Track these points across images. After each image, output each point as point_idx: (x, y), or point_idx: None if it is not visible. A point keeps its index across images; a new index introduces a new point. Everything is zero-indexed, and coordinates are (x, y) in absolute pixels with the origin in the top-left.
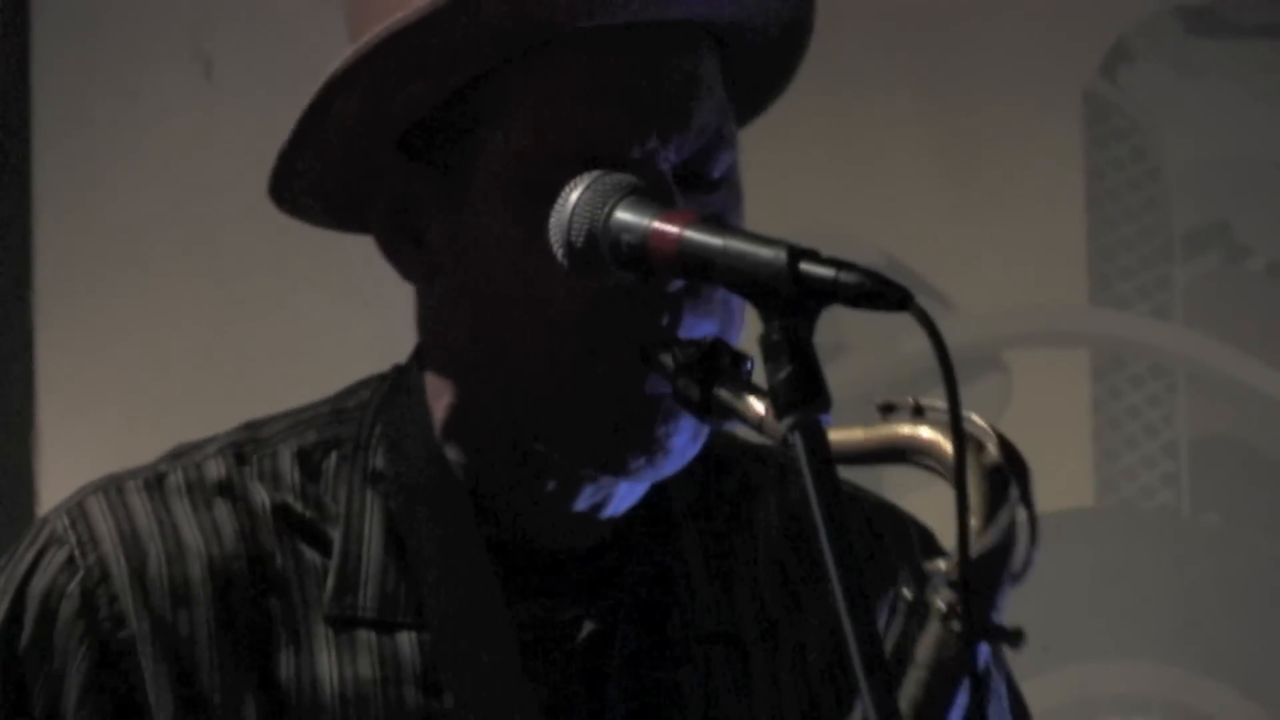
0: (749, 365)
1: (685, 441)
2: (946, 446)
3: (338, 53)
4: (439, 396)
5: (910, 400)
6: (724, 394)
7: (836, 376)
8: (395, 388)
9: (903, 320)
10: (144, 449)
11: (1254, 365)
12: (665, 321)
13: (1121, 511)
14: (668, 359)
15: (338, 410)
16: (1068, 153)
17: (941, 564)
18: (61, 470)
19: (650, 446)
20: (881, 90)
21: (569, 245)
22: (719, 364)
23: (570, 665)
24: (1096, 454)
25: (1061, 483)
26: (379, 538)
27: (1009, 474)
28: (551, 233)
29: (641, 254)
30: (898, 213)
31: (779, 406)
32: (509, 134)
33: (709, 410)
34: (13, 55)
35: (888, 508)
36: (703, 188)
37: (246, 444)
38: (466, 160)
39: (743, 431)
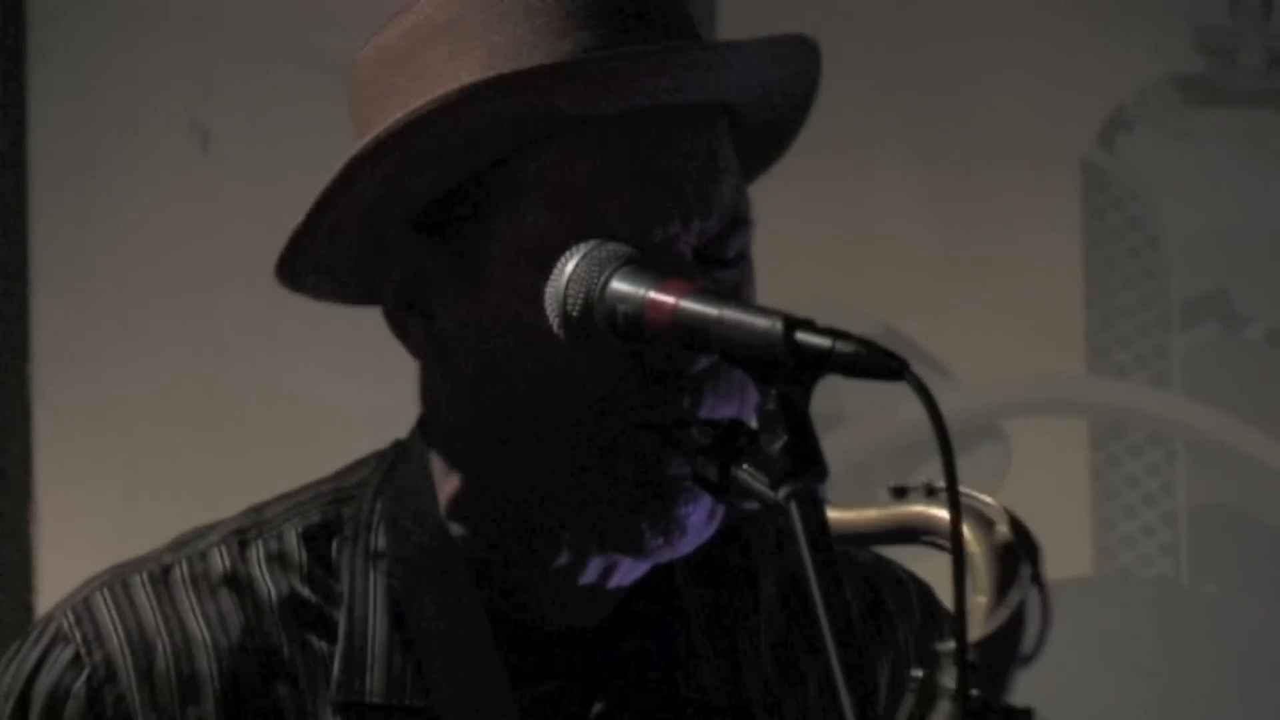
0: (770, 445)
1: (702, 521)
2: (960, 525)
3: (334, 125)
4: (446, 473)
5: (922, 482)
6: (742, 475)
7: (833, 446)
8: (395, 464)
9: (900, 389)
10: (142, 520)
11: (1253, 434)
12: (687, 403)
13: (1119, 580)
14: (688, 439)
15: (338, 489)
16: (1065, 221)
17: (948, 643)
18: (59, 541)
19: (669, 528)
20: (879, 159)
21: (565, 315)
22: (737, 444)
23: None
24: (1095, 523)
25: (1059, 552)
26: (384, 619)
27: (1021, 553)
28: (547, 303)
29: (638, 324)
30: (895, 281)
31: (774, 476)
32: (527, 216)
33: (727, 491)
34: (9, 126)
35: (885, 567)
36: (719, 266)
37: (250, 528)
38: (483, 240)
39: None
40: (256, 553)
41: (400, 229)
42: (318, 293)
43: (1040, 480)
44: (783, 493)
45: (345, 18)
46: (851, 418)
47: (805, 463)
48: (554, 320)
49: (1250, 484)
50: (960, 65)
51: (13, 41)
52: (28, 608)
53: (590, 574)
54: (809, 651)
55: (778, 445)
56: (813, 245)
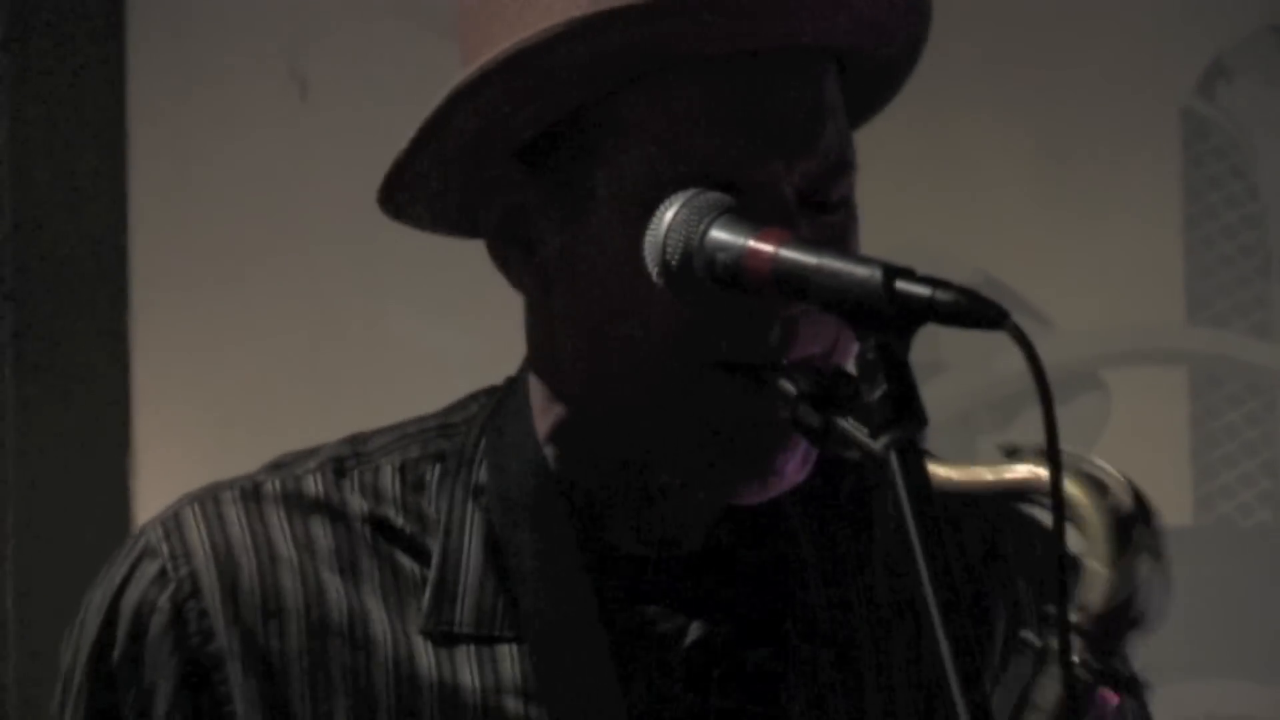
0: (869, 393)
1: (798, 467)
2: (1074, 490)
3: (431, 76)
4: (545, 408)
5: (1036, 444)
6: (844, 424)
7: (932, 395)
8: (503, 401)
9: (999, 339)
10: (238, 466)
11: None
12: (775, 340)
13: (1220, 530)
14: (787, 384)
15: (444, 425)
16: (1165, 170)
17: (1072, 613)
18: (157, 488)
19: (764, 471)
20: (977, 109)
21: (664, 264)
22: (839, 392)
23: (673, 674)
24: (1194, 472)
25: (1159, 501)
26: (478, 551)
27: (1139, 522)
28: (646, 251)
29: (737, 273)
30: (994, 230)
31: (874, 425)
32: (630, 153)
33: (828, 438)
34: (109, 77)
35: (1011, 510)
36: (823, 211)
37: (349, 458)
38: (586, 175)
39: None
40: (352, 482)
41: (503, 161)
42: (418, 222)
43: (1140, 430)
44: (882, 441)
45: None
46: (951, 367)
47: (905, 412)
48: (653, 269)
49: None
50: (1059, 13)
51: None
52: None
53: (690, 511)
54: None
55: (877, 394)
56: (912, 194)
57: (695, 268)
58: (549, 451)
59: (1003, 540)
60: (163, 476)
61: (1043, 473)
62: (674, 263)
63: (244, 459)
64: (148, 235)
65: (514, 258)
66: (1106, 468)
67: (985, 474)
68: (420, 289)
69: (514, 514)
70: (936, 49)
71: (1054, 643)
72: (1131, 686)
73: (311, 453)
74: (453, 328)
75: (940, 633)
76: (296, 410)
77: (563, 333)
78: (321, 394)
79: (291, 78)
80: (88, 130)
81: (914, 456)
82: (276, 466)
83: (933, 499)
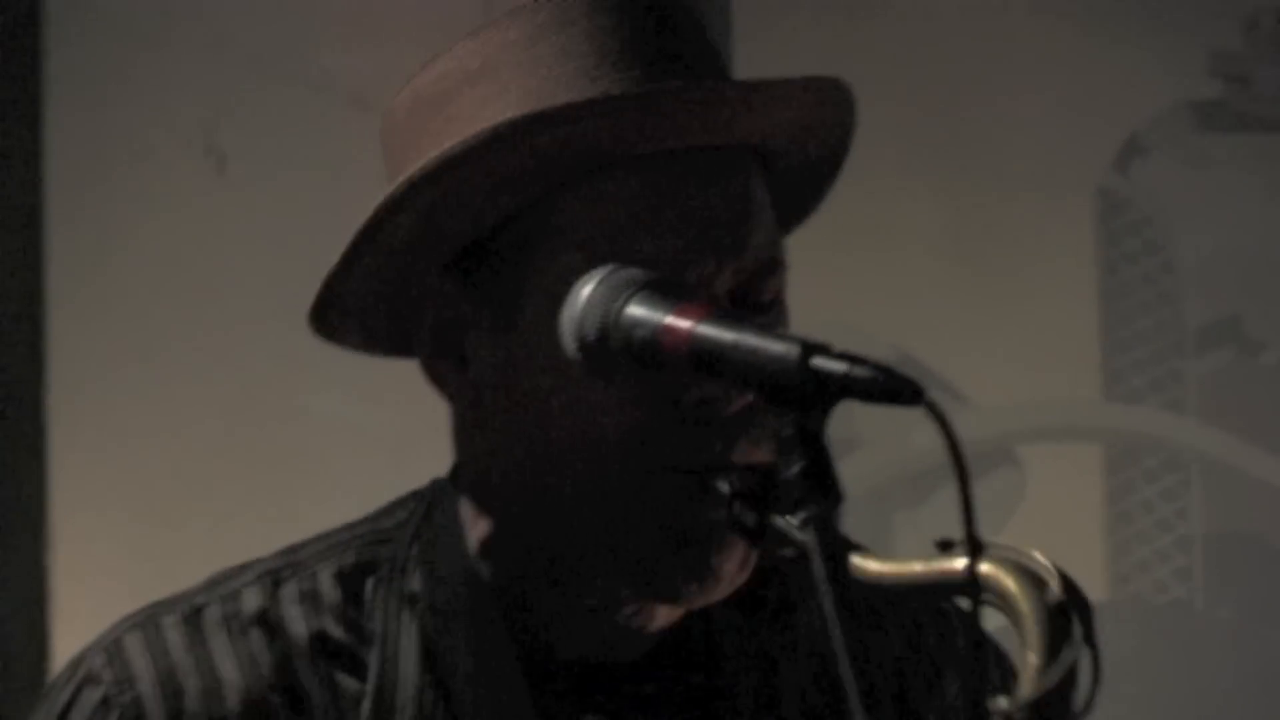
0: (806, 492)
1: (736, 568)
2: (1007, 581)
3: (348, 147)
4: (476, 518)
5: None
6: (781, 522)
7: (849, 471)
8: (432, 507)
9: (916, 415)
10: (158, 543)
11: (1268, 460)
12: (719, 447)
13: (1135, 606)
14: (724, 485)
15: (375, 531)
16: (1081, 247)
17: (1003, 702)
18: (75, 565)
19: (704, 574)
20: (894, 184)
21: (581, 340)
22: (776, 491)
23: None
24: (1110, 548)
25: (1075, 577)
26: (415, 663)
27: (1072, 613)
28: (563, 328)
29: (654, 350)
30: (910, 307)
31: (791, 502)
32: (560, 258)
33: (763, 537)
34: (25, 151)
35: (934, 607)
36: (756, 311)
37: (284, 568)
38: (518, 283)
39: None
40: (289, 592)
41: (435, 272)
42: (349, 340)
43: (1055, 505)
44: (799, 518)
45: (358, 41)
46: (867, 442)
47: (822, 488)
48: (570, 345)
49: (1265, 509)
50: (976, 91)
51: (28, 65)
52: (43, 632)
53: (624, 616)
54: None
55: (794, 470)
56: (827, 270)
57: (612, 345)
58: (482, 563)
59: (926, 633)
60: (80, 553)
61: (980, 567)
62: (590, 339)
63: (162, 536)
64: (64, 310)
65: (448, 371)
66: (1039, 559)
67: (917, 567)
68: (339, 366)
69: (449, 624)
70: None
71: None
72: None
73: (246, 567)
74: (373, 405)
75: (856, 709)
76: (214, 487)
77: (498, 444)
78: (240, 471)
79: (209, 152)
80: (4, 206)
81: (831, 532)
82: (213, 585)
83: (848, 572)
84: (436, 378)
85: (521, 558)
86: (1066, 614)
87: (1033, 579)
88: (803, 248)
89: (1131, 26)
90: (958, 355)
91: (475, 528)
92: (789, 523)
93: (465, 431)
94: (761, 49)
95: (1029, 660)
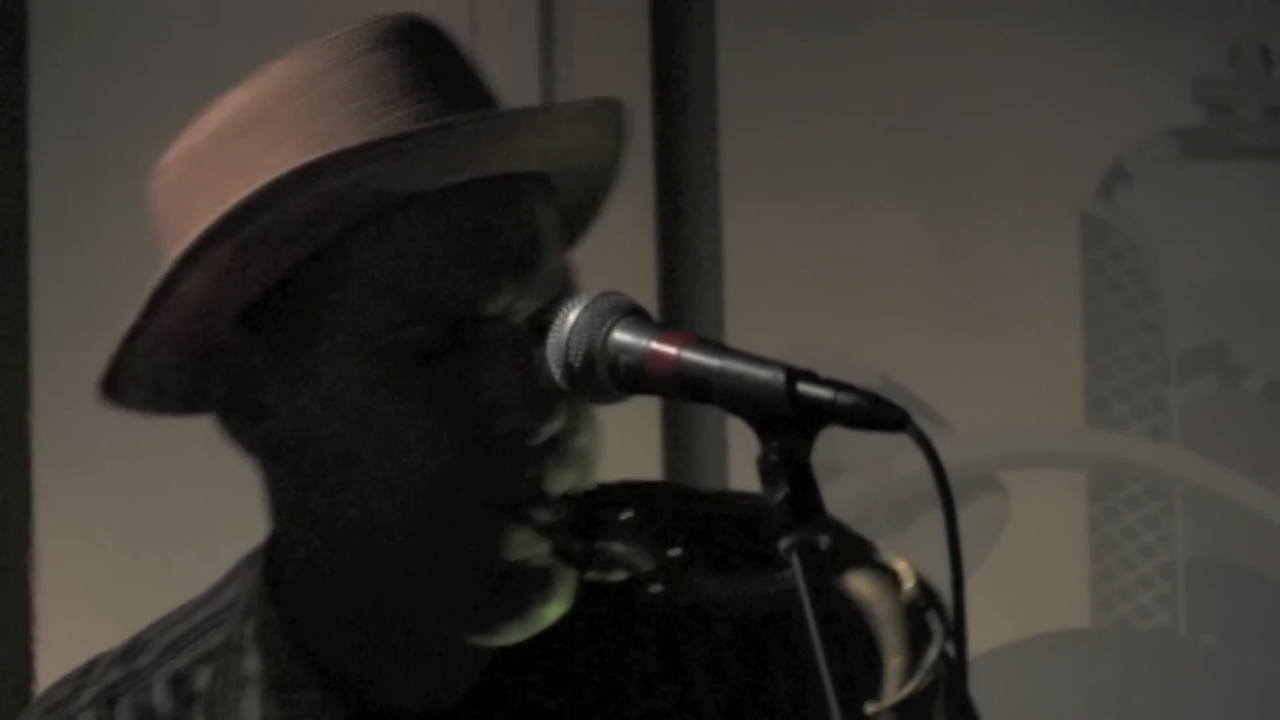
0: (629, 513)
1: (558, 603)
2: (862, 585)
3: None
4: (297, 575)
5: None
6: (610, 546)
7: (833, 497)
8: (260, 576)
9: (900, 441)
10: (141, 565)
11: (1251, 487)
12: (531, 474)
13: (1118, 632)
14: (543, 515)
15: (211, 616)
16: (1064, 273)
17: (869, 707)
18: (59, 587)
19: (522, 612)
20: (878, 210)
21: (567, 367)
22: (600, 514)
23: None
24: (1093, 575)
25: (1058, 604)
26: None
27: (930, 608)
28: (549, 354)
29: (640, 375)
30: (894, 333)
31: (776, 528)
32: (354, 301)
33: (590, 565)
34: (11, 175)
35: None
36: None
37: (120, 683)
38: (312, 330)
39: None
40: (124, 709)
41: (226, 328)
42: (141, 405)
43: (1038, 532)
44: (785, 544)
45: None
46: (851, 469)
47: (807, 514)
48: (555, 371)
49: (1248, 537)
50: (959, 116)
51: (14, 91)
52: (28, 654)
53: (447, 656)
54: (763, 712)
55: (779, 497)
56: (811, 296)
57: (597, 370)
58: (306, 624)
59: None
60: (65, 575)
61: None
62: (576, 364)
63: (147, 557)
64: (50, 329)
65: (244, 427)
66: (893, 559)
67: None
68: None
69: (282, 698)
70: (833, 146)
71: None
72: None
73: (85, 682)
74: None
75: None
76: (198, 507)
77: (304, 497)
78: (223, 493)
79: None
80: None
81: (816, 559)
82: (50, 708)
83: (834, 599)
84: (233, 434)
85: (342, 607)
86: (924, 610)
87: (889, 578)
88: (787, 272)
89: (1116, 54)
90: (941, 381)
91: (297, 584)
92: (619, 546)
93: (272, 489)
94: (745, 70)
95: (893, 663)
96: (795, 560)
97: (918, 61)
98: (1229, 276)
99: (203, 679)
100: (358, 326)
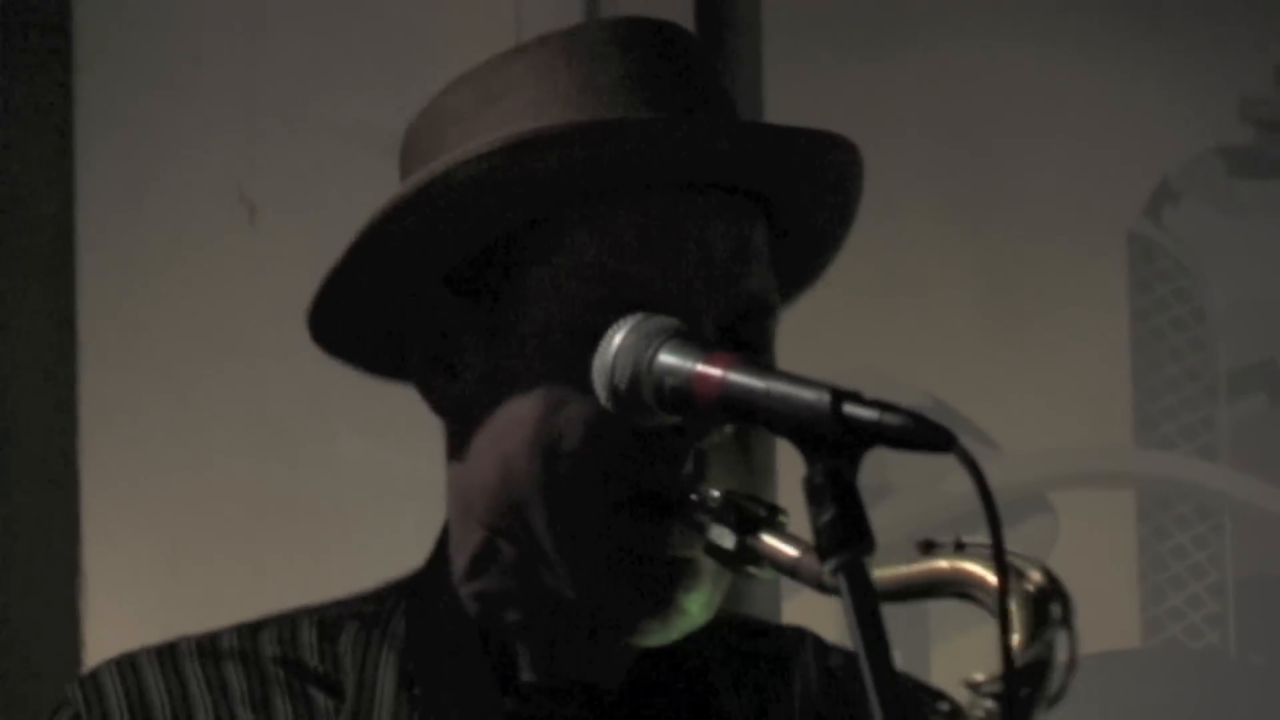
0: (783, 515)
1: (701, 605)
2: (989, 577)
3: (379, 199)
4: (462, 541)
5: (952, 538)
6: (760, 541)
7: (881, 518)
8: (431, 556)
9: (947, 461)
10: (188, 591)
11: None
12: (690, 470)
13: (1168, 652)
14: (699, 509)
15: (368, 594)
16: (1112, 294)
17: (979, 676)
18: (107, 611)
19: (666, 610)
20: (926, 231)
21: (613, 389)
22: (753, 513)
23: None
24: (1143, 595)
25: (1108, 624)
26: (392, 685)
27: (1052, 598)
28: (595, 375)
29: (685, 397)
30: (942, 354)
31: (823, 549)
32: (558, 276)
33: (742, 559)
34: (58, 198)
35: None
36: (737, 350)
37: (264, 621)
38: (513, 297)
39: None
40: (268, 634)
41: (432, 286)
42: (344, 349)
43: (1088, 552)
44: (831, 565)
45: (391, 91)
46: (899, 490)
47: (854, 535)
48: (601, 393)
49: None
50: (1007, 138)
51: (60, 116)
52: (76, 678)
53: (596, 644)
54: None
55: (826, 518)
56: (859, 317)
57: (643, 391)
58: (465, 590)
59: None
60: (112, 598)
61: (961, 565)
62: (622, 387)
63: (192, 580)
64: (96, 359)
65: (436, 383)
66: (1021, 553)
67: (903, 570)
68: (370, 411)
69: (429, 653)
70: (882, 169)
71: (969, 709)
72: None
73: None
74: (403, 450)
75: None
76: (245, 532)
77: (478, 461)
78: (269, 516)
79: (240, 201)
80: (37, 254)
81: (863, 578)
82: (194, 641)
83: (882, 621)
84: (426, 389)
85: (500, 581)
86: (1046, 599)
87: (1014, 570)
88: (832, 294)
89: (1163, 73)
90: (989, 402)
91: (461, 550)
92: (771, 541)
93: (452, 447)
94: (791, 92)
95: (1012, 641)
96: (843, 581)
97: (965, 82)
98: (1277, 295)
99: (350, 631)
100: (552, 301)
